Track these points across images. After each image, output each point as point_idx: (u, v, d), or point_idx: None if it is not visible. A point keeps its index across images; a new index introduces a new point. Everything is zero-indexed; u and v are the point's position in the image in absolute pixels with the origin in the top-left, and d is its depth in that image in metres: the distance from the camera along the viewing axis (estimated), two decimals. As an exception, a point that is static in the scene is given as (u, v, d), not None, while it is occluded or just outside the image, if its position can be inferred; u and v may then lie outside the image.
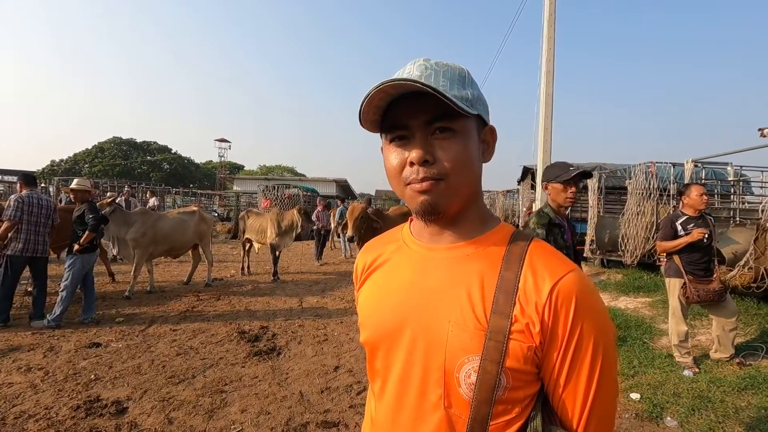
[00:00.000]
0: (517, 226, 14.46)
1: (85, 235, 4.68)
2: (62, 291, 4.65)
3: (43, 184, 20.47)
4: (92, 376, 3.34)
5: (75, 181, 5.10)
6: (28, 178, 4.88)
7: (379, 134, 0.69)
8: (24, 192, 4.67)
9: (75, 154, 48.15)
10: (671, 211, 4.02)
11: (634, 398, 3.14)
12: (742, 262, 4.95)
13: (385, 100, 0.62)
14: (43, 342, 4.07)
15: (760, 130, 3.94)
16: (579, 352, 0.59)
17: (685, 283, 3.64)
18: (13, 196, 4.65)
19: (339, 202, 12.00)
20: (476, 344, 0.60)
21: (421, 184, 0.62)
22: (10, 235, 4.49)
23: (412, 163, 0.63)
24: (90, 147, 48.61)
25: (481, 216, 0.71)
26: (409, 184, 0.64)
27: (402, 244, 0.76)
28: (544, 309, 0.59)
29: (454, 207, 0.66)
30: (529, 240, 0.67)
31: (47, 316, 4.54)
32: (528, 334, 0.60)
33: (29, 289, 5.72)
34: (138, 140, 51.56)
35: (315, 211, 10.80)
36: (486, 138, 0.70)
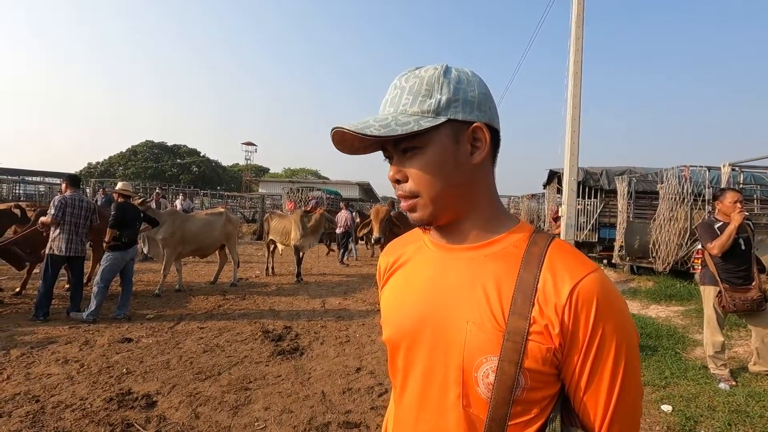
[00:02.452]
0: (543, 229, 14.15)
1: (107, 233, 4.88)
2: (95, 286, 4.87)
3: (81, 185, 21.38)
4: (124, 370, 3.47)
5: (119, 184, 5.47)
6: (73, 180, 5.12)
7: None
8: (68, 193, 4.91)
9: (110, 157, 50.37)
10: (706, 217, 3.86)
11: (665, 410, 3.02)
12: (784, 271, 4.70)
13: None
14: (79, 336, 4.26)
15: (804, 131, 3.75)
16: (601, 355, 0.58)
17: (720, 292, 3.48)
18: (57, 197, 4.88)
19: (343, 206, 11.47)
20: (494, 345, 0.60)
21: (403, 202, 0.69)
22: (52, 235, 4.73)
23: None
24: (124, 150, 50.73)
25: (493, 216, 0.70)
26: (399, 198, 0.70)
27: (422, 244, 0.77)
28: (564, 310, 0.58)
29: (442, 216, 0.68)
30: (549, 240, 0.66)
31: (84, 311, 4.75)
32: (547, 336, 0.59)
33: (68, 285, 6.01)
34: (169, 144, 53.44)
35: (339, 214, 10.88)
36: (476, 136, 0.66)
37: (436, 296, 0.68)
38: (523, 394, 0.60)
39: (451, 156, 0.65)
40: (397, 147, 0.66)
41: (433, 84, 0.64)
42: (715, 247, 3.44)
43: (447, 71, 0.66)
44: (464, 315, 0.63)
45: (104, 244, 4.95)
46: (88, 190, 19.07)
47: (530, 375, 0.59)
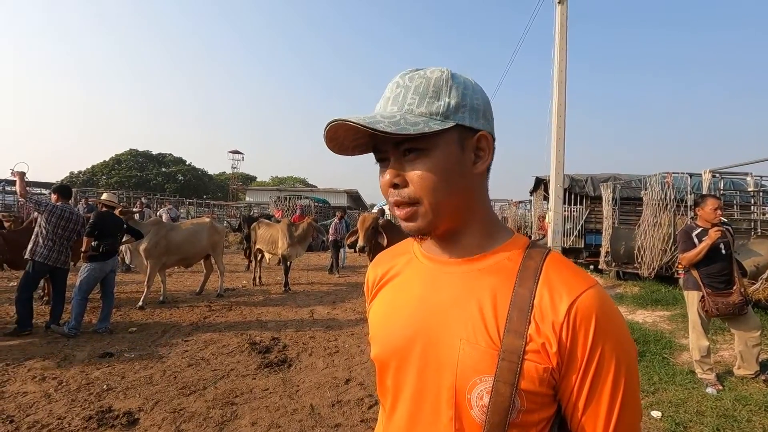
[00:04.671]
0: (530, 236, 14.33)
1: (84, 242, 4.75)
2: (72, 300, 4.72)
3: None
4: (105, 387, 3.36)
5: (104, 195, 5.43)
6: (63, 191, 4.96)
7: None
8: (58, 204, 4.77)
9: (93, 166, 49.33)
10: (688, 222, 3.93)
11: (655, 416, 3.03)
12: (765, 275, 4.80)
13: (355, 131, 0.60)
14: (58, 351, 4.11)
15: (781, 139, 3.85)
16: (600, 375, 0.56)
17: (703, 296, 3.54)
18: (48, 206, 4.69)
19: (339, 214, 10.89)
20: (489, 364, 0.57)
21: (400, 210, 0.63)
22: (39, 240, 4.59)
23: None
24: (107, 159, 49.77)
25: (489, 228, 0.68)
26: (393, 206, 0.65)
27: (413, 256, 0.74)
28: (561, 328, 0.56)
29: (441, 225, 0.64)
30: (545, 253, 0.64)
31: (65, 325, 4.61)
32: (544, 355, 0.57)
33: (46, 297, 5.83)
34: (154, 152, 52.65)
35: (333, 223, 10.71)
36: (480, 145, 0.64)
37: (427, 312, 0.65)
38: (519, 416, 0.57)
39: (456, 162, 0.62)
40: (399, 148, 0.61)
41: (441, 86, 0.62)
42: (684, 259, 3.55)
43: (454, 76, 0.63)
44: (457, 332, 0.61)
45: (81, 254, 4.81)
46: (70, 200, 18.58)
47: (526, 396, 0.56)
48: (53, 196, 4.89)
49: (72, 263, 6.47)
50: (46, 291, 5.90)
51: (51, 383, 3.39)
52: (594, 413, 0.57)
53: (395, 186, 0.62)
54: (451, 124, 0.60)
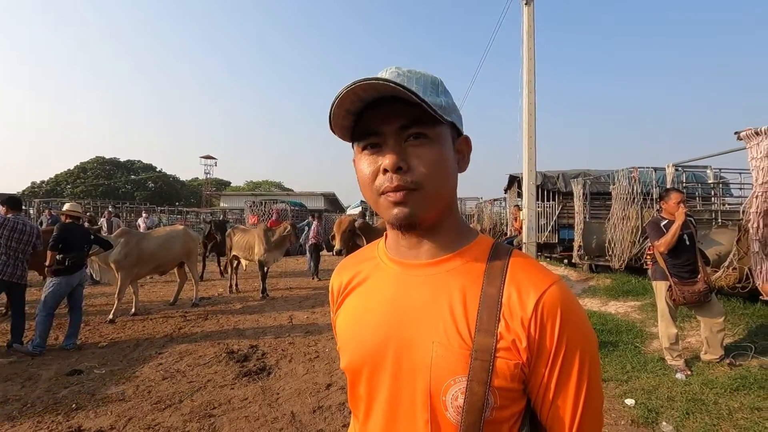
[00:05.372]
0: (505, 233, 14.56)
1: (48, 256, 4.54)
2: (36, 316, 4.50)
3: (23, 207, 19.85)
4: (73, 406, 3.21)
5: (67, 205, 5.14)
6: (13, 202, 4.74)
7: (351, 145, 0.67)
8: (9, 216, 4.54)
9: (56, 175, 47.30)
10: (654, 215, 4.09)
11: (629, 404, 3.13)
12: (726, 263, 5.03)
13: (357, 105, 0.60)
14: (22, 371, 3.91)
15: (736, 133, 4.05)
16: (567, 365, 0.58)
17: (670, 286, 3.69)
18: None
19: (316, 217, 10.89)
20: (462, 365, 0.58)
21: (395, 194, 0.60)
22: None
23: (385, 171, 0.60)
24: (72, 167, 47.80)
25: (459, 228, 0.69)
26: (382, 193, 0.61)
27: (379, 261, 0.73)
28: (530, 324, 0.58)
29: (431, 217, 0.63)
30: (509, 253, 0.65)
31: (29, 343, 4.38)
32: (515, 351, 0.58)
33: (2, 310, 5.56)
34: (122, 159, 50.95)
35: (313, 226, 10.57)
36: (461, 148, 0.68)
37: (398, 316, 0.64)
38: (493, 413, 0.58)
39: (452, 156, 0.64)
40: (404, 132, 0.60)
41: (437, 85, 0.63)
42: (662, 244, 3.66)
43: (443, 82, 0.66)
44: (429, 335, 0.61)
45: (46, 269, 4.59)
46: (31, 211, 17.74)
47: (499, 393, 0.57)
48: (2, 209, 4.68)
49: (43, 278, 6.20)
50: (5, 306, 5.63)
51: (14, 405, 3.22)
52: (563, 401, 0.59)
53: (399, 169, 0.59)
54: (449, 120, 0.62)
